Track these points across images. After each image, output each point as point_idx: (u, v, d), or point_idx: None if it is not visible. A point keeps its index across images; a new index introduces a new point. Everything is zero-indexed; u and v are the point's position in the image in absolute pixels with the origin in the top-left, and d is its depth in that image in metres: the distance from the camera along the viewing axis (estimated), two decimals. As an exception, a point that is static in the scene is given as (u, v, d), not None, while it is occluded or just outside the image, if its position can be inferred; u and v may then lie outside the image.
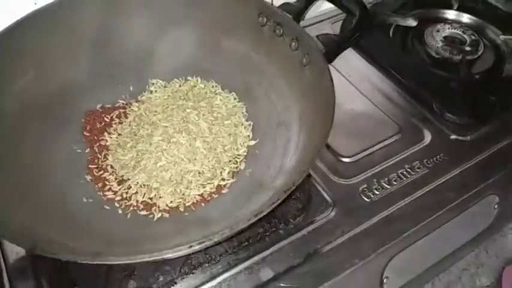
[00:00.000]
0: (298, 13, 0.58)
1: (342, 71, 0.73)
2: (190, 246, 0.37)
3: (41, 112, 0.55)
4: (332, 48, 0.55)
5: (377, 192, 0.58)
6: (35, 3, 0.60)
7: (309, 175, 0.58)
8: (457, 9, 0.84)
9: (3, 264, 0.52)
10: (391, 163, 0.62)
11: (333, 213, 0.56)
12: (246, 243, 0.53)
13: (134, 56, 0.62)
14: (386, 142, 0.64)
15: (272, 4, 0.64)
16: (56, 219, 0.46)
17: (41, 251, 0.37)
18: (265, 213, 0.39)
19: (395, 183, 0.59)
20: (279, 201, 0.39)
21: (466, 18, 0.83)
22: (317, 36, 0.56)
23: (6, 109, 0.53)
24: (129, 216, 0.53)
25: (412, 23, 0.77)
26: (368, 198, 0.58)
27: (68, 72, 0.59)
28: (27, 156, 0.51)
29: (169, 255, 0.37)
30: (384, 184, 0.59)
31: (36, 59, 0.56)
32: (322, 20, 0.82)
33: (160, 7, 0.62)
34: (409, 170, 0.61)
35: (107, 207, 0.53)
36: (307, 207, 0.56)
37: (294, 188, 0.40)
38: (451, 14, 0.84)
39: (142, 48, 0.63)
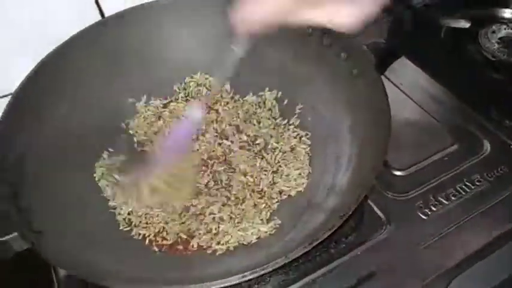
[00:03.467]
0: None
1: (392, 78, 0.70)
2: (243, 276, 0.36)
3: (83, 138, 0.55)
4: (383, 59, 0.52)
5: (434, 209, 0.55)
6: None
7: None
8: (514, 7, 0.79)
9: (55, 279, 0.52)
10: (448, 176, 0.58)
11: (387, 232, 0.53)
12: (296, 263, 0.51)
13: (175, 73, 0.62)
14: (442, 153, 0.60)
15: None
16: (102, 245, 0.46)
17: (80, 275, 0.37)
18: (320, 241, 0.37)
19: (453, 198, 0.56)
20: (335, 228, 0.37)
21: (524, 17, 0.78)
22: (366, 45, 0.53)
23: (50, 135, 0.53)
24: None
25: (465, 24, 0.73)
26: (425, 215, 0.54)
27: (110, 97, 0.59)
28: (72, 182, 0.51)
29: (220, 285, 0.36)
30: (442, 199, 0.56)
31: (78, 84, 0.57)
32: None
33: (204, 23, 0.61)
34: (468, 184, 0.57)
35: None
36: (359, 226, 0.53)
37: (351, 213, 0.38)
38: (507, 13, 0.79)
39: (183, 66, 0.62)
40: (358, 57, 0.52)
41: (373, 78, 0.49)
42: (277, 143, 0.58)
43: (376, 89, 0.48)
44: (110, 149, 0.58)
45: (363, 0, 0.36)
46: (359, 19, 0.36)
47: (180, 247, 0.50)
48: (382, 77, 0.52)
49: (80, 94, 0.57)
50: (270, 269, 0.36)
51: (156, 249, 0.50)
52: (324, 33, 0.55)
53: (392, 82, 0.69)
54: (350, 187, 0.46)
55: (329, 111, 0.56)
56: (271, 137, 0.58)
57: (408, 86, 0.69)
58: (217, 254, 0.49)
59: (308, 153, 0.56)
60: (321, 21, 0.37)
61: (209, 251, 0.50)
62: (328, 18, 0.37)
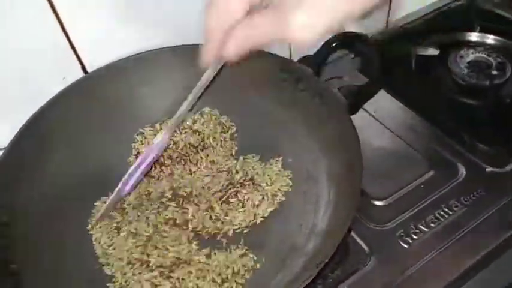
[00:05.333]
0: (318, 66, 0.59)
1: (367, 108, 0.72)
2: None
3: (78, 191, 0.56)
4: (355, 100, 0.55)
5: (415, 237, 0.57)
6: (63, 78, 0.62)
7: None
8: (480, 31, 0.82)
9: None
10: (426, 203, 0.60)
11: (371, 263, 0.55)
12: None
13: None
14: (419, 181, 0.63)
15: (291, 59, 0.65)
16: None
17: None
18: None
19: (433, 225, 0.58)
20: (312, 278, 0.39)
21: (490, 39, 0.81)
22: (338, 89, 0.56)
23: (41, 191, 0.54)
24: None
25: (434, 52, 0.77)
26: (406, 244, 0.56)
27: (103, 148, 0.60)
28: (63, 244, 0.52)
29: None
30: (422, 227, 0.58)
31: (70, 137, 0.58)
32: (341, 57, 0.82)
33: (186, 72, 0.63)
34: (446, 209, 0.59)
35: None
36: (344, 259, 0.55)
37: (327, 261, 0.40)
38: (473, 36, 0.82)
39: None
40: (331, 101, 0.55)
41: (344, 122, 0.52)
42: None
43: (347, 131, 0.51)
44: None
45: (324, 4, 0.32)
46: (316, 30, 0.33)
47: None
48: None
49: (70, 149, 0.58)
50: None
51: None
52: (298, 79, 0.58)
53: (366, 111, 0.72)
54: (328, 229, 0.48)
55: (307, 153, 0.58)
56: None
57: (382, 114, 0.72)
58: None
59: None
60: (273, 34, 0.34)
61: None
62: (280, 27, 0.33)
